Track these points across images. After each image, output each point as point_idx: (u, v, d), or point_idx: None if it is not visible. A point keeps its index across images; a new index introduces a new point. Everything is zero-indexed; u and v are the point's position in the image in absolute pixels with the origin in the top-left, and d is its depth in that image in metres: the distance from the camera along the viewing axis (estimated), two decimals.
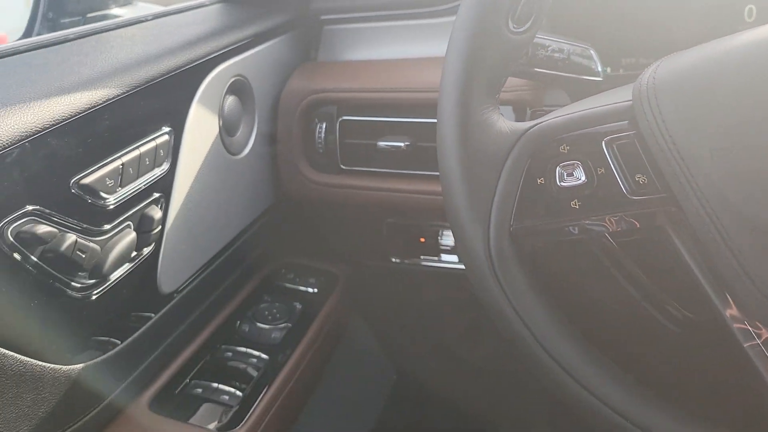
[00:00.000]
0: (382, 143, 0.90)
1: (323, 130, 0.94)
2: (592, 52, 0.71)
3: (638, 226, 0.52)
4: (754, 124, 0.45)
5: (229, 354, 0.87)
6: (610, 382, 0.55)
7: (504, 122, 0.57)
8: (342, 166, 0.95)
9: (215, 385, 0.82)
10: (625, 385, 0.55)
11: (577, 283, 0.61)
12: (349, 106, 0.93)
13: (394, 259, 1.06)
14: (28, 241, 0.55)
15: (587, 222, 0.54)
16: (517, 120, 0.86)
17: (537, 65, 0.68)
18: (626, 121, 0.52)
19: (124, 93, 0.65)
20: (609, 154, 0.52)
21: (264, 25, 0.93)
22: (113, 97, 0.64)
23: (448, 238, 1.02)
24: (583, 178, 0.53)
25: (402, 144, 0.89)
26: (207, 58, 0.79)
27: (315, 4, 1.03)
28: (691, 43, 0.54)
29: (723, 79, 0.47)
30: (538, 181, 0.55)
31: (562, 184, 0.54)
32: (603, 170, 0.52)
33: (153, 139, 0.70)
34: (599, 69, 0.72)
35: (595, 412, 0.54)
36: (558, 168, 0.54)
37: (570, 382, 0.55)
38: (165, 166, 0.72)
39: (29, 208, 0.56)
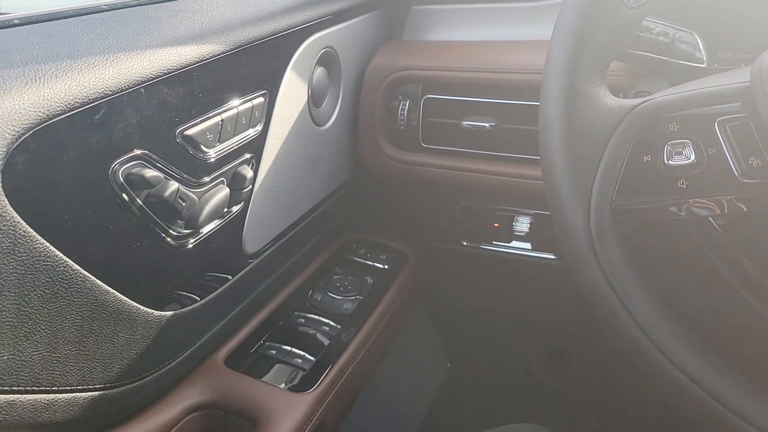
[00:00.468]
0: (466, 123, 0.90)
1: (406, 107, 0.94)
2: (697, 37, 0.69)
3: (746, 210, 0.51)
4: None
5: (302, 320, 0.88)
6: (711, 370, 0.53)
7: (611, 98, 0.56)
8: (423, 144, 0.95)
9: (288, 348, 0.83)
10: (727, 375, 0.53)
11: (675, 267, 0.59)
12: (434, 84, 0.93)
13: (465, 243, 1.06)
14: (136, 183, 0.57)
15: (693, 202, 0.53)
16: None
17: (640, 48, 0.67)
18: (740, 103, 0.51)
19: (229, 51, 0.67)
20: (722, 135, 0.51)
21: (354, 1, 0.94)
22: (218, 54, 0.65)
23: (522, 225, 1.01)
24: (693, 157, 0.52)
25: (487, 125, 0.89)
26: (303, 26, 0.80)
27: None
28: None
29: None
30: (645, 158, 0.54)
31: (670, 162, 0.53)
32: (714, 150, 0.51)
33: (250, 99, 0.71)
34: (704, 56, 0.70)
35: (693, 397, 0.53)
36: (667, 146, 0.53)
37: (670, 368, 0.54)
38: (258, 128, 0.74)
39: (138, 152, 0.58)
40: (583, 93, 0.56)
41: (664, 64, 0.69)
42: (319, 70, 0.87)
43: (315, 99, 0.87)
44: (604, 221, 0.55)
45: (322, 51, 0.86)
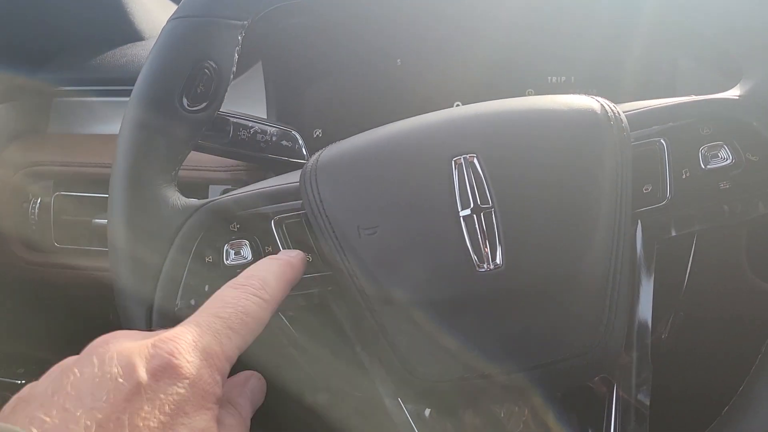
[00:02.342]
0: (97, 220, 0.85)
1: (37, 205, 0.87)
2: (296, 134, 0.73)
3: (303, 303, 0.52)
4: (393, 206, 0.47)
5: None
6: None
7: (179, 199, 0.55)
8: (56, 245, 0.88)
9: None
10: None
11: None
12: (66, 180, 0.87)
13: None
14: None
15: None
16: None
17: (239, 146, 0.68)
18: (297, 202, 0.52)
19: None
20: (278, 233, 0.52)
21: None
22: None
23: None
24: (250, 257, 0.52)
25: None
26: None
27: (43, 74, 0.97)
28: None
29: (369, 165, 0.50)
30: (207, 259, 0.53)
31: (229, 262, 0.53)
32: (270, 248, 0.52)
33: None
34: (305, 152, 0.74)
35: None
36: (226, 246, 0.53)
37: None
38: None
39: None
40: (144, 195, 0.54)
41: (270, 161, 0.71)
42: None
43: None
44: (167, 326, 0.53)
45: None
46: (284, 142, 0.70)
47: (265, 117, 0.91)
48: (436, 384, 0.48)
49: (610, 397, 0.49)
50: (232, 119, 0.67)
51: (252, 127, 0.69)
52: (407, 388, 0.48)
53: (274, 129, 0.70)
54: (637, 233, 0.51)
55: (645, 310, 0.50)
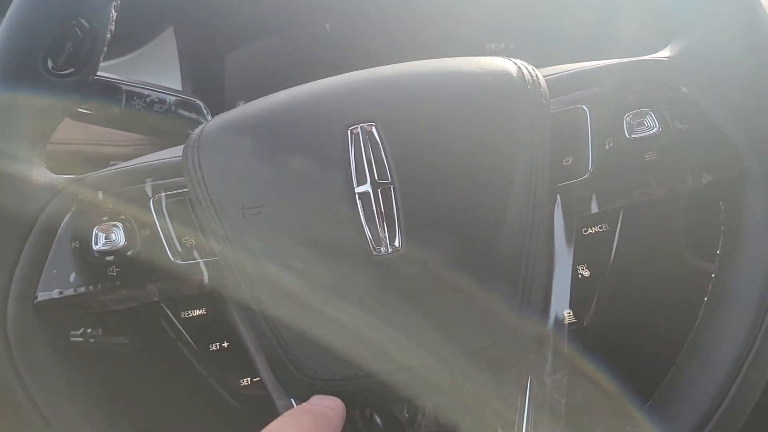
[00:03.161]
0: None
1: None
2: (200, 104, 0.66)
3: (193, 293, 0.46)
4: (280, 183, 0.41)
5: None
6: None
7: (45, 175, 0.49)
8: None
9: None
10: None
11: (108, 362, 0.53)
12: None
13: None
14: None
15: (126, 292, 0.46)
16: None
17: (132, 116, 0.62)
18: (179, 179, 0.46)
19: None
20: (157, 215, 0.46)
21: None
22: None
23: None
24: (123, 241, 0.46)
25: None
26: None
27: None
28: None
29: (256, 136, 0.44)
30: (73, 244, 0.46)
31: (98, 247, 0.46)
32: (147, 231, 0.46)
33: None
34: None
35: None
36: (95, 229, 0.46)
37: None
38: None
39: None
40: (5, 173, 0.48)
41: (167, 135, 0.64)
42: None
43: None
44: (27, 319, 0.47)
45: None
46: (185, 112, 0.64)
47: (180, 88, 0.84)
48: (330, 383, 0.42)
49: (522, 394, 0.44)
50: (124, 86, 0.60)
51: (148, 96, 0.62)
52: (297, 388, 0.42)
53: (173, 98, 0.63)
54: (556, 210, 0.46)
55: (562, 296, 0.45)
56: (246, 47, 0.83)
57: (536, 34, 0.82)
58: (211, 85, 0.82)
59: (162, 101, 0.63)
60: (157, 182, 0.48)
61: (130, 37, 0.81)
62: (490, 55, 0.81)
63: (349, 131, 0.43)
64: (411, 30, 0.82)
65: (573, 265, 0.46)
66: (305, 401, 0.43)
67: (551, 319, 0.45)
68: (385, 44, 0.82)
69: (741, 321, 0.44)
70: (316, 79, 0.48)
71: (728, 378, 0.43)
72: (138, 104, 0.61)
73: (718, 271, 0.45)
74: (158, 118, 0.62)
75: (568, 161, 0.46)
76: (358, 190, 0.42)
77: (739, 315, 0.44)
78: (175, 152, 0.50)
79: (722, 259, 0.46)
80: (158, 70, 0.82)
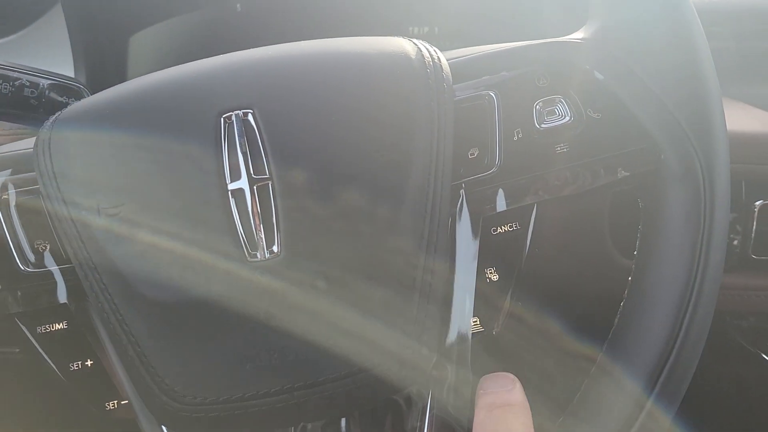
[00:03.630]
0: None
1: None
2: (82, 88, 0.59)
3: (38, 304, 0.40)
4: (142, 178, 0.35)
5: None
6: None
7: None
8: None
9: None
10: None
11: None
12: None
13: None
14: None
15: None
16: None
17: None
18: (29, 174, 0.40)
19: None
20: (3, 216, 0.39)
21: None
22: None
23: None
24: None
25: None
26: None
27: None
28: None
29: (115, 124, 0.37)
30: None
31: None
32: None
33: None
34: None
35: None
36: None
37: None
38: None
39: None
40: None
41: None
42: None
43: None
44: None
45: None
46: (61, 98, 0.56)
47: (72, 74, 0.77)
48: (201, 408, 0.37)
49: (422, 416, 0.39)
50: None
51: (18, 79, 0.54)
52: (165, 415, 0.37)
53: (47, 82, 0.56)
54: (459, 208, 0.41)
55: (465, 306, 0.40)
56: (151, 27, 0.76)
57: (461, 18, 0.77)
58: (108, 69, 0.75)
59: (34, 85, 0.55)
60: (7, 178, 0.41)
61: (13, 15, 0.73)
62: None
63: (222, 119, 0.38)
64: (328, 12, 0.77)
65: (479, 268, 0.41)
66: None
67: (454, 329, 0.40)
68: (300, 26, 0.76)
69: (659, 324, 0.40)
70: None
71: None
72: (5, 88, 0.54)
73: (634, 273, 0.42)
74: (29, 105, 0.55)
75: (473, 154, 0.41)
76: (232, 186, 0.37)
77: (656, 319, 0.40)
78: (26, 144, 0.43)
79: (639, 260, 0.42)
80: (46, 53, 0.74)
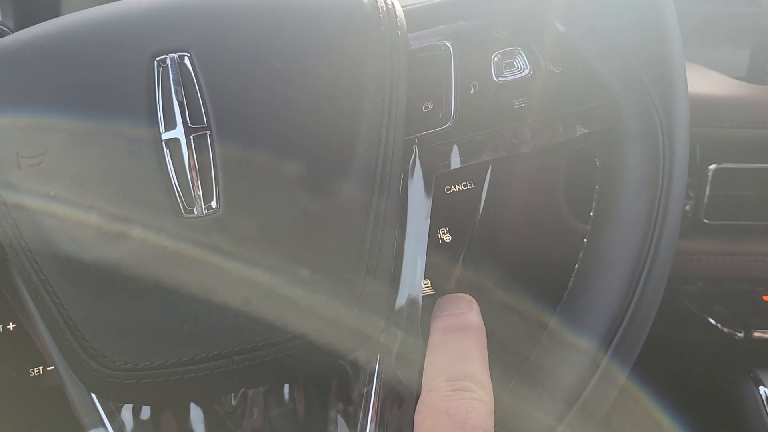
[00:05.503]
0: None
1: None
2: (9, 30, 0.54)
3: None
4: (66, 125, 0.32)
5: None
6: None
7: None
8: None
9: None
10: None
11: None
12: None
13: None
14: None
15: None
16: None
17: None
18: None
19: None
20: None
21: None
22: None
23: None
24: None
25: None
26: None
27: None
28: None
29: (38, 64, 0.34)
30: None
31: None
32: None
33: None
34: None
35: None
36: None
37: None
38: None
39: None
40: None
41: None
42: None
43: None
44: None
45: None
46: None
47: None
48: (133, 374, 0.34)
49: (369, 381, 0.37)
50: None
51: None
52: (93, 381, 0.34)
53: None
54: (412, 165, 0.39)
55: (416, 267, 0.39)
56: None
57: None
58: (40, 14, 0.70)
59: None
60: None
61: None
62: None
63: (156, 62, 0.35)
64: None
65: (431, 228, 0.40)
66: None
67: (404, 293, 0.38)
68: None
69: (614, 287, 0.39)
70: None
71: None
72: None
73: (590, 236, 0.40)
74: None
75: (427, 107, 0.39)
76: (166, 136, 0.34)
77: (611, 282, 0.39)
78: None
79: (595, 222, 0.41)
80: None
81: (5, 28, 0.54)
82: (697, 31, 0.70)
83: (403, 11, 0.39)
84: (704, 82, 0.64)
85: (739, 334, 0.72)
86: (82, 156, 0.34)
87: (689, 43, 0.68)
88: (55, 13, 0.72)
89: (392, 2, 0.38)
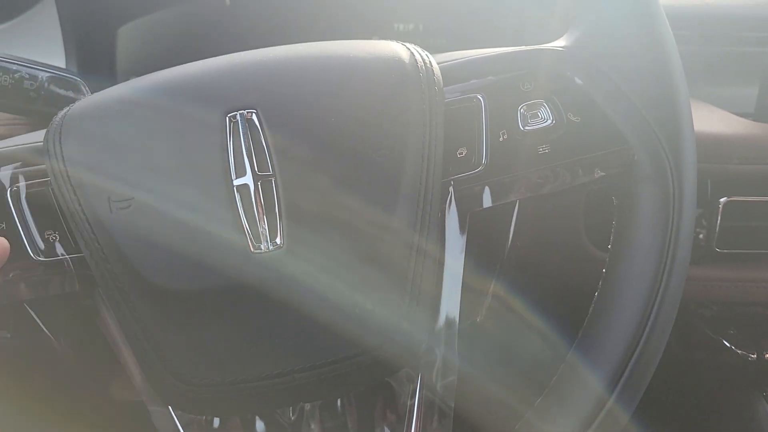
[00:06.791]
0: None
1: None
2: (79, 81, 0.60)
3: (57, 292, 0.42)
4: (151, 174, 0.37)
5: None
6: None
7: None
8: None
9: None
10: None
11: None
12: None
13: None
14: None
15: None
16: None
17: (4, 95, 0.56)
18: (40, 166, 0.42)
19: None
20: (15, 207, 0.41)
21: None
22: None
23: None
24: None
25: None
26: None
27: None
28: None
29: (125, 120, 0.39)
30: None
31: None
32: (4, 225, 0.41)
33: None
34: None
35: None
36: None
37: None
38: None
39: None
40: None
41: (40, 115, 0.59)
42: None
43: None
44: None
45: None
46: (60, 90, 0.58)
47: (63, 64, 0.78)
48: (208, 389, 0.39)
49: (412, 396, 0.42)
50: None
51: (17, 72, 0.56)
52: (173, 396, 0.39)
53: (46, 74, 0.58)
54: (448, 204, 0.44)
55: (453, 295, 0.43)
56: (140, 19, 0.77)
57: (447, 15, 0.79)
58: (98, 60, 0.76)
59: (33, 77, 0.57)
60: (17, 170, 0.43)
61: (4, 5, 0.74)
62: (399, 36, 0.79)
63: (227, 118, 0.40)
64: (316, 7, 0.78)
65: (465, 260, 0.44)
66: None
67: (442, 318, 0.43)
68: (288, 21, 0.78)
69: (627, 319, 0.43)
70: (215, 56, 0.44)
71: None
72: (5, 80, 0.55)
73: (608, 266, 0.45)
74: (29, 97, 0.57)
75: (461, 153, 0.44)
76: (237, 182, 0.39)
77: (624, 314, 0.43)
78: (35, 137, 0.45)
79: (613, 253, 0.45)
80: (38, 43, 0.75)
81: (77, 79, 0.60)
82: (703, 70, 0.75)
83: (440, 67, 0.44)
84: (712, 120, 0.68)
85: (752, 356, 0.75)
86: (165, 201, 0.40)
87: (696, 82, 0.73)
88: (112, 56, 0.79)
89: (430, 60, 0.43)
